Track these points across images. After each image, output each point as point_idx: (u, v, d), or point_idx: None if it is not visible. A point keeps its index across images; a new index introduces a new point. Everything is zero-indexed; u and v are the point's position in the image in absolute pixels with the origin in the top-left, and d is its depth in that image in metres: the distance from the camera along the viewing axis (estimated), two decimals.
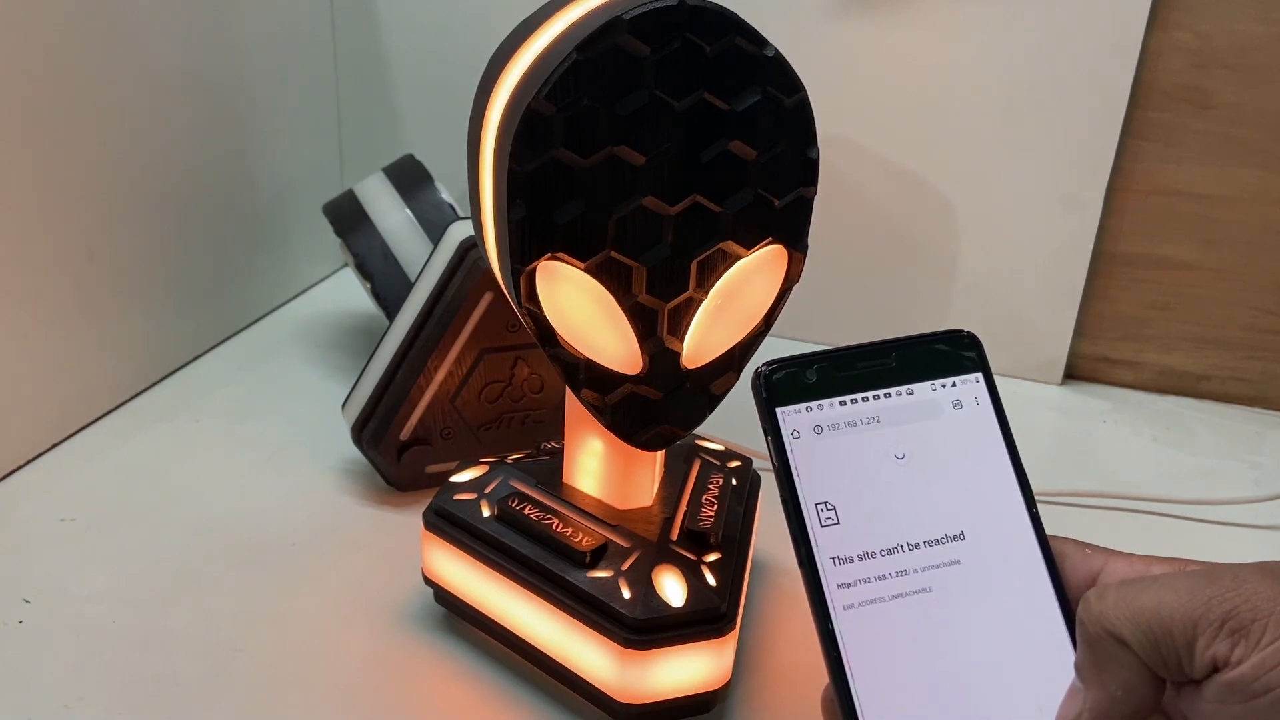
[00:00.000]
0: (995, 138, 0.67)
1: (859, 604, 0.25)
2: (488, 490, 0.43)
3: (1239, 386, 0.69)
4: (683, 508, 0.43)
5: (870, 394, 0.27)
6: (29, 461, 0.54)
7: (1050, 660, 0.25)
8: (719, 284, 0.37)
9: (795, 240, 0.38)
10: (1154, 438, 0.65)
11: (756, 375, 0.28)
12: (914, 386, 0.28)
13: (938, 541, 0.26)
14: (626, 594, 0.38)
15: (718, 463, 0.47)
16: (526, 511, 0.41)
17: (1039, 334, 0.70)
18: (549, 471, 0.45)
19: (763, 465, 0.56)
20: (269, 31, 0.70)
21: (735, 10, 0.34)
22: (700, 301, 0.37)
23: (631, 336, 0.37)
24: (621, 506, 0.43)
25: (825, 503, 0.26)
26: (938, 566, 0.26)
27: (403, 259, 0.62)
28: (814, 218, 0.38)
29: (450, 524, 0.43)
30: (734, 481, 0.46)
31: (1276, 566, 0.25)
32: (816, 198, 0.37)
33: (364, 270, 0.62)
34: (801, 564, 0.26)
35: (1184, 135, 0.65)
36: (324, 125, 0.79)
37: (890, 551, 0.26)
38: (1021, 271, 0.69)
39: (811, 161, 0.37)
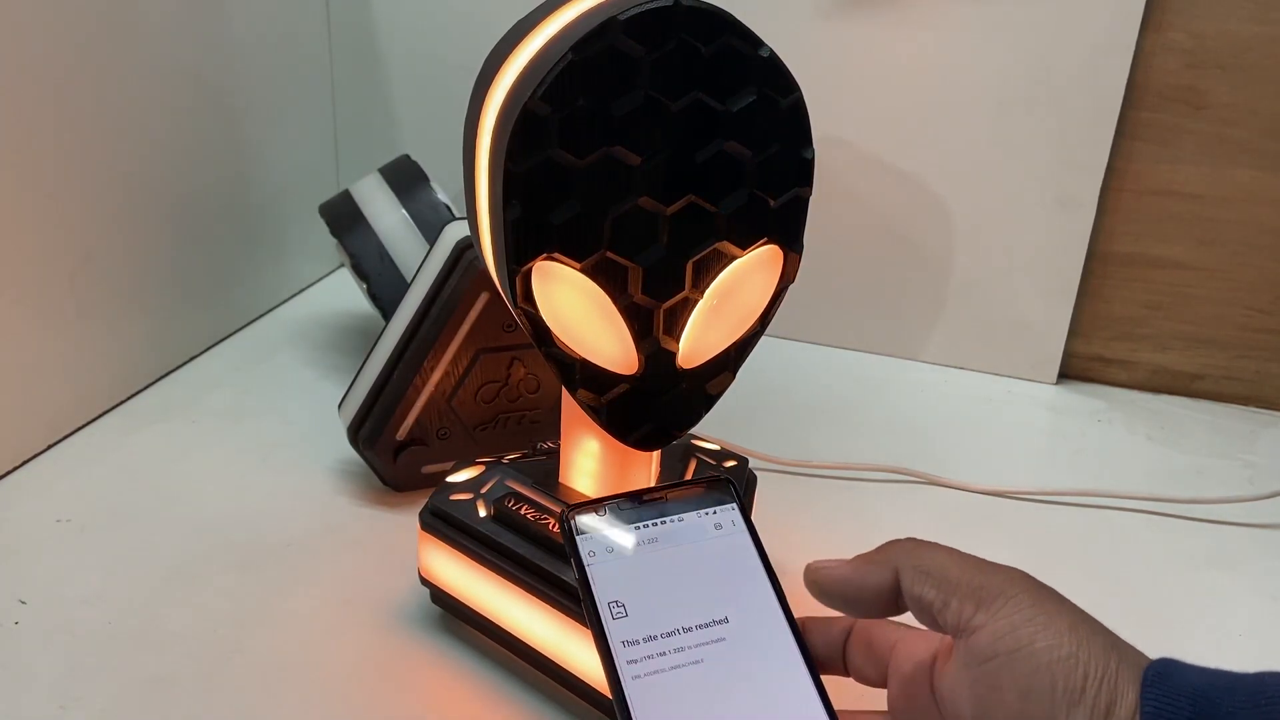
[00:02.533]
0: (990, 138, 0.67)
1: (645, 675, 0.31)
2: (484, 490, 0.44)
3: (1232, 385, 0.70)
4: None
5: (650, 521, 0.35)
6: (25, 462, 0.54)
7: (800, 712, 0.32)
8: (715, 284, 0.37)
9: (791, 240, 0.38)
10: (1148, 436, 0.65)
11: (562, 513, 0.35)
12: (684, 515, 0.35)
13: (706, 625, 0.33)
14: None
15: (713, 462, 0.47)
16: (523, 511, 0.41)
17: (1033, 333, 0.71)
18: (545, 471, 0.45)
19: (759, 465, 0.56)
20: (265, 32, 0.70)
21: (730, 11, 0.34)
22: (696, 301, 0.37)
23: (627, 336, 0.37)
24: None
25: (616, 601, 0.33)
26: (707, 644, 0.32)
27: (399, 259, 0.62)
28: (809, 218, 0.38)
29: (447, 524, 0.43)
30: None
31: (1038, 583, 0.30)
32: (812, 198, 0.37)
33: (360, 270, 0.62)
34: (599, 648, 0.32)
35: (1178, 135, 0.65)
36: (320, 126, 0.79)
37: (669, 634, 0.32)
38: (1016, 271, 0.69)
39: (807, 162, 0.37)
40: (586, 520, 0.35)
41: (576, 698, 0.40)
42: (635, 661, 0.32)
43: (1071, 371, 0.72)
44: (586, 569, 0.33)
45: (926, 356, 0.73)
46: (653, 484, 0.44)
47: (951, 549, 0.32)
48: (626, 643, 0.32)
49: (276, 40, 0.71)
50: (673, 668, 0.32)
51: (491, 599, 0.42)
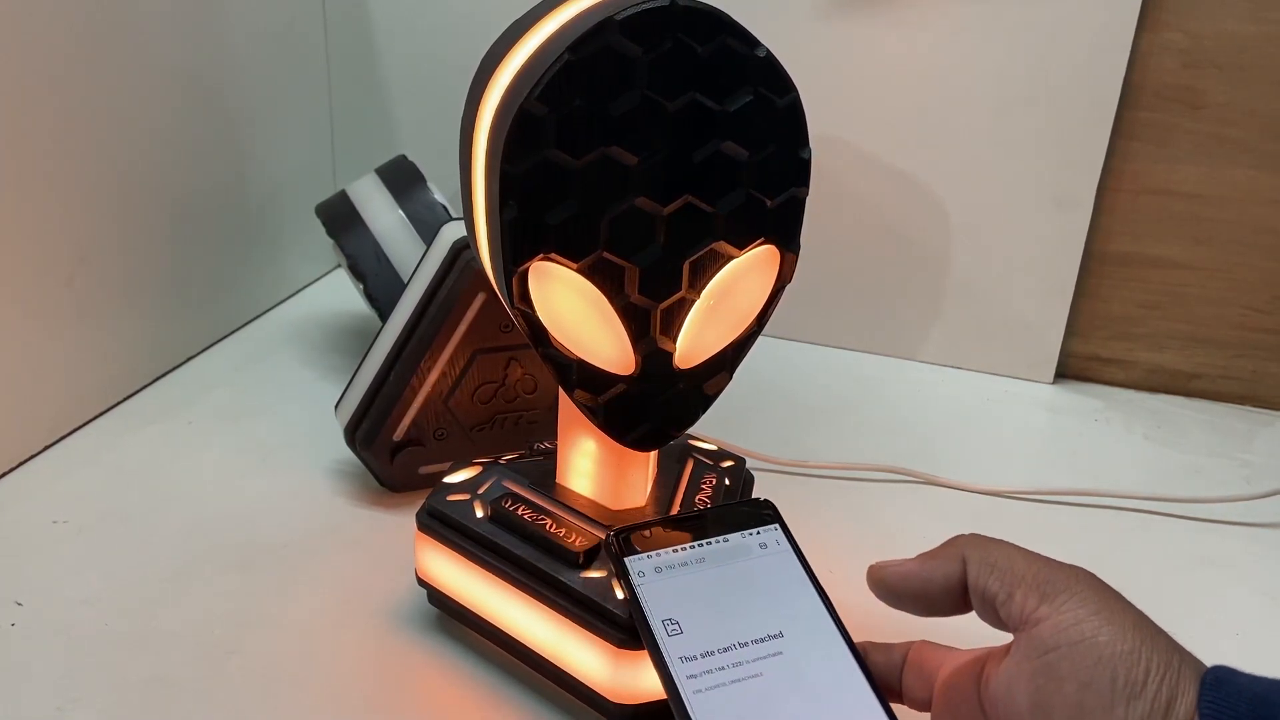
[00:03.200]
0: (987, 138, 0.67)
1: (706, 689, 0.32)
2: (481, 491, 0.44)
3: (1229, 385, 0.70)
4: (676, 508, 0.43)
5: (695, 543, 0.36)
6: (21, 464, 0.54)
7: (863, 716, 0.33)
8: (711, 284, 0.37)
9: (787, 240, 0.38)
10: (1145, 436, 0.66)
11: (607, 536, 0.36)
12: (728, 536, 0.37)
13: (761, 640, 0.34)
14: (620, 594, 0.38)
15: (711, 463, 0.47)
16: (520, 512, 0.41)
17: (1031, 333, 0.71)
18: (542, 472, 0.45)
19: (756, 465, 0.56)
20: (262, 32, 0.69)
21: (727, 11, 0.34)
22: (693, 302, 0.37)
23: (624, 337, 0.37)
24: (615, 507, 0.43)
25: (670, 619, 0.34)
26: (765, 657, 0.33)
27: (395, 260, 0.62)
28: (806, 218, 0.38)
29: (444, 525, 0.43)
30: (727, 481, 0.46)
31: (1102, 582, 0.31)
32: (809, 198, 0.37)
33: (357, 271, 0.62)
34: (656, 664, 0.33)
35: (1174, 135, 0.65)
36: (317, 126, 0.79)
37: (725, 649, 0.33)
38: (1013, 271, 0.69)
39: (803, 162, 0.37)
40: (633, 542, 0.36)
41: (574, 699, 0.40)
42: (695, 676, 0.33)
43: (1069, 371, 0.72)
44: (636, 589, 0.35)
45: (923, 356, 0.73)
46: (650, 486, 0.44)
47: (1018, 546, 0.32)
48: (685, 659, 0.33)
49: (274, 40, 0.71)
50: (734, 681, 0.33)
51: (488, 600, 0.42)
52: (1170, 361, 0.70)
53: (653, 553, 0.36)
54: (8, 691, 0.40)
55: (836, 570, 0.50)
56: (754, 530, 0.37)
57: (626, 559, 0.35)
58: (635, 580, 0.35)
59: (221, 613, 0.45)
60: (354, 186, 0.65)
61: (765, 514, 0.38)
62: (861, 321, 0.74)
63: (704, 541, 0.36)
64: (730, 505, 0.40)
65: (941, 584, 0.32)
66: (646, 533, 0.36)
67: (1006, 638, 0.31)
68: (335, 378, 0.65)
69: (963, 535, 0.33)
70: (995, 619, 0.31)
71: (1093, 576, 0.31)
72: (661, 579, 0.35)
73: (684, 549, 0.36)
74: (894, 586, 0.34)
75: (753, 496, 0.39)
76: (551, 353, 0.37)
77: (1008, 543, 0.32)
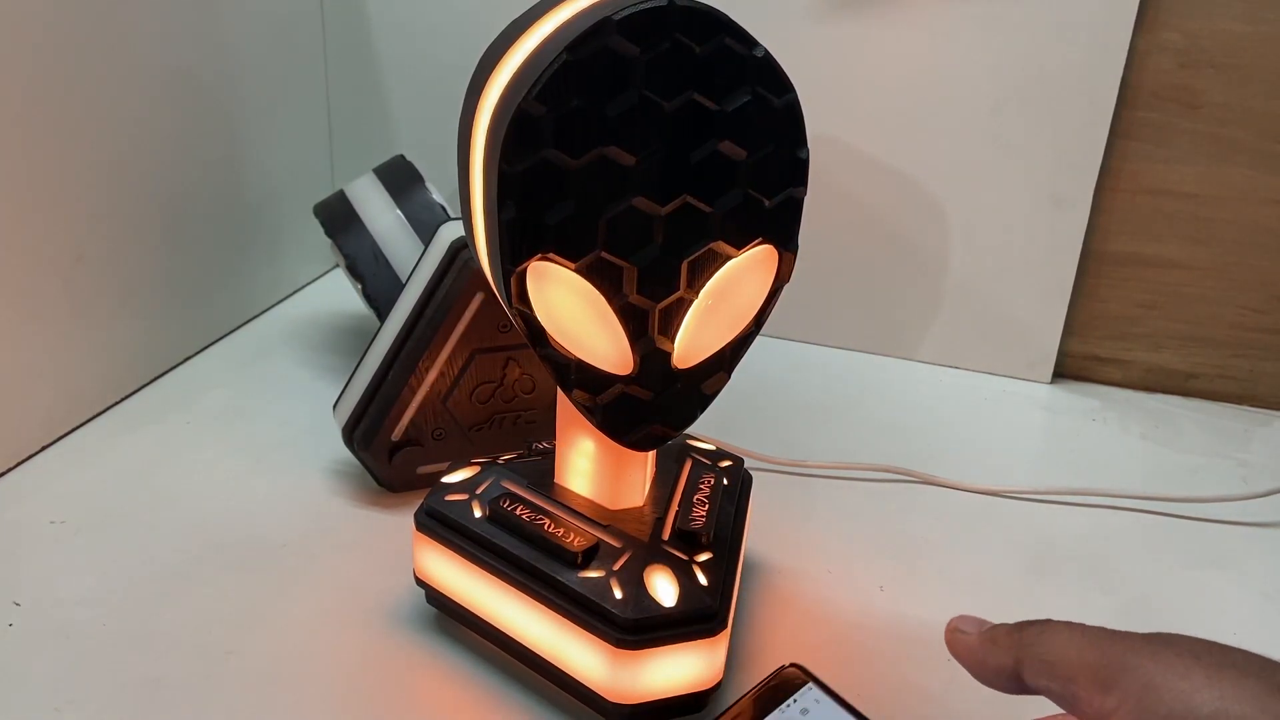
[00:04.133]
0: (984, 138, 0.67)
1: None
2: (479, 491, 0.44)
3: (1227, 384, 0.70)
4: (674, 508, 0.43)
5: None
6: (19, 464, 0.54)
7: None
8: (710, 284, 0.37)
9: (785, 240, 0.38)
10: (1142, 435, 0.66)
11: None
12: (768, 718, 0.36)
13: None
14: (618, 594, 0.38)
15: (709, 463, 0.47)
16: (518, 512, 0.41)
17: (1028, 333, 0.71)
18: (541, 472, 0.45)
19: (754, 464, 0.56)
20: (259, 31, 0.69)
21: (725, 11, 0.34)
22: (691, 301, 0.37)
23: (622, 337, 0.37)
24: (613, 507, 0.43)
25: None
26: None
27: (394, 260, 0.62)
28: (804, 218, 0.38)
29: (442, 525, 0.43)
30: (725, 481, 0.46)
31: (1166, 639, 0.28)
32: (806, 198, 0.37)
33: (355, 271, 0.62)
34: None
35: (1172, 135, 0.65)
36: (314, 126, 0.79)
37: None
38: (1010, 271, 0.70)
39: (801, 162, 0.37)
40: None
41: (572, 699, 0.40)
42: None
43: (1066, 370, 0.72)
44: None
45: (921, 356, 0.73)
46: (648, 486, 0.44)
47: (1082, 626, 0.30)
48: None
49: (271, 39, 0.71)
50: None
51: (487, 600, 0.42)
52: (1168, 361, 0.70)
53: None
54: (6, 692, 0.40)
55: (835, 570, 0.50)
56: (791, 700, 0.36)
57: None
58: None
59: (219, 613, 0.45)
60: (352, 186, 0.65)
61: (796, 680, 0.37)
62: (859, 321, 0.74)
63: None
64: (758, 687, 0.38)
65: (993, 670, 0.31)
66: None
67: None
68: (333, 378, 0.65)
69: (1032, 624, 0.31)
70: (1074, 714, 0.29)
71: (1154, 638, 0.28)
72: None
73: None
74: (956, 653, 0.32)
75: (776, 670, 0.38)
76: (550, 353, 0.37)
77: (1069, 627, 0.30)
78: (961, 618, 0.33)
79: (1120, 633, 0.28)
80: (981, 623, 0.32)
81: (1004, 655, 0.30)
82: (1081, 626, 0.30)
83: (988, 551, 0.53)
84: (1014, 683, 0.30)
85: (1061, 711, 0.31)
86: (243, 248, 0.71)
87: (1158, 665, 0.27)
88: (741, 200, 0.36)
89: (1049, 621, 0.31)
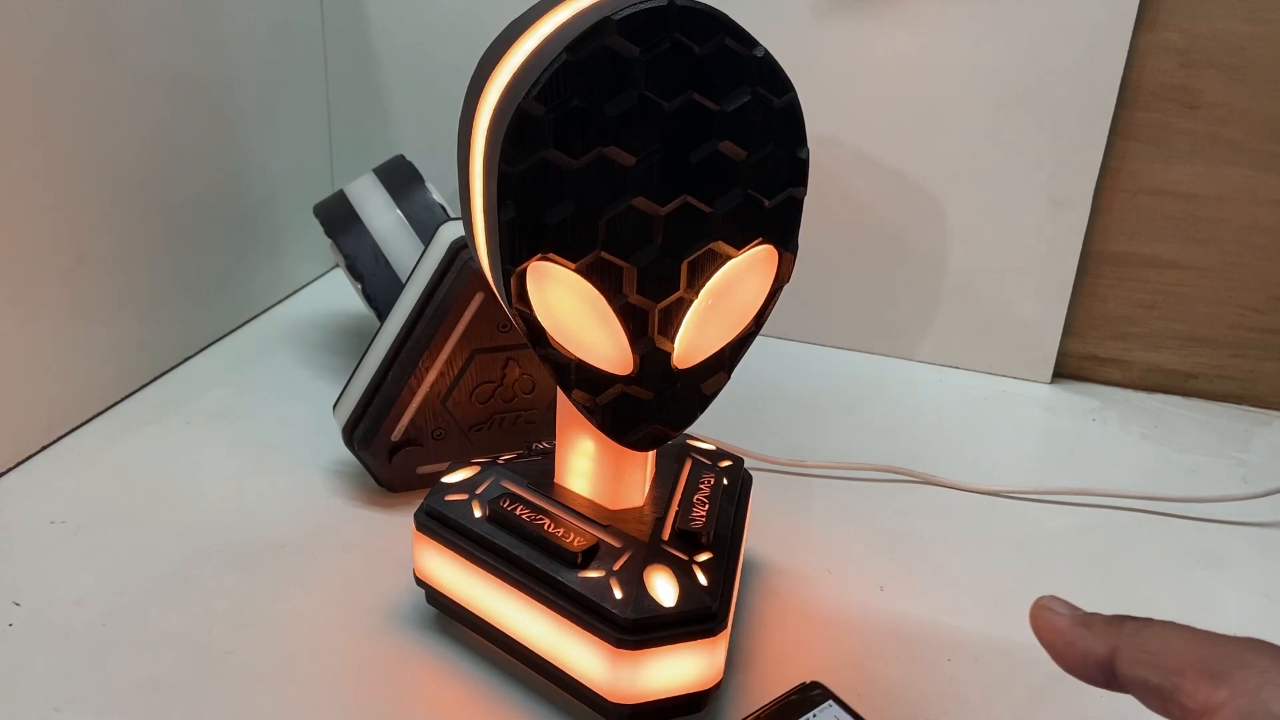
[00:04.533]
0: (984, 138, 0.67)
1: None
2: (479, 491, 0.44)
3: (1226, 384, 0.70)
4: (674, 508, 0.43)
5: None
6: (18, 464, 0.54)
7: None
8: (710, 284, 0.37)
9: (785, 240, 0.38)
10: (1142, 435, 0.66)
11: None
12: None
13: None
14: (618, 594, 0.38)
15: (709, 462, 0.47)
16: (518, 512, 0.41)
17: (1028, 333, 0.71)
18: (540, 472, 0.45)
19: (754, 464, 0.56)
20: (259, 31, 0.69)
21: (725, 10, 0.34)
22: (691, 302, 0.37)
23: (622, 337, 0.37)
24: (613, 507, 0.43)
25: None
26: None
27: (393, 260, 0.62)
28: (804, 217, 0.38)
29: (441, 525, 0.43)
30: (725, 481, 0.46)
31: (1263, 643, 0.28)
32: (806, 198, 0.38)
33: (355, 271, 0.62)
34: None
35: (1172, 135, 0.65)
36: (314, 126, 0.79)
37: None
38: (1010, 271, 0.70)
39: (801, 161, 0.37)
40: None
41: (572, 699, 0.40)
42: None
43: (1066, 370, 0.72)
44: None
45: (921, 356, 0.73)
46: (648, 486, 0.44)
47: (1181, 625, 0.30)
48: None
49: (270, 39, 0.71)
50: None
51: (487, 600, 0.42)
52: (1167, 361, 0.70)
53: None
54: (5, 692, 0.40)
55: (834, 570, 0.50)
56: (810, 715, 0.37)
57: None
58: None
59: (219, 613, 0.45)
60: (352, 186, 0.65)
61: (814, 696, 0.37)
62: (859, 321, 0.74)
63: None
64: (774, 702, 0.38)
65: (1080, 656, 0.30)
66: None
67: None
68: (333, 378, 0.65)
69: (1131, 618, 0.30)
70: (1161, 709, 0.28)
71: (1266, 643, 0.28)
72: None
73: None
74: (1040, 634, 0.31)
75: (797, 685, 0.38)
76: (549, 353, 0.37)
77: (1171, 623, 0.30)
78: (1051, 597, 0.32)
79: (1219, 634, 0.29)
80: (1073, 606, 0.31)
81: (1098, 642, 0.30)
82: (1178, 624, 0.29)
83: (988, 551, 0.53)
84: (1102, 671, 0.30)
85: None
86: (243, 248, 0.71)
87: (1273, 662, 0.27)
88: (741, 200, 0.36)
89: (1151, 618, 0.30)
